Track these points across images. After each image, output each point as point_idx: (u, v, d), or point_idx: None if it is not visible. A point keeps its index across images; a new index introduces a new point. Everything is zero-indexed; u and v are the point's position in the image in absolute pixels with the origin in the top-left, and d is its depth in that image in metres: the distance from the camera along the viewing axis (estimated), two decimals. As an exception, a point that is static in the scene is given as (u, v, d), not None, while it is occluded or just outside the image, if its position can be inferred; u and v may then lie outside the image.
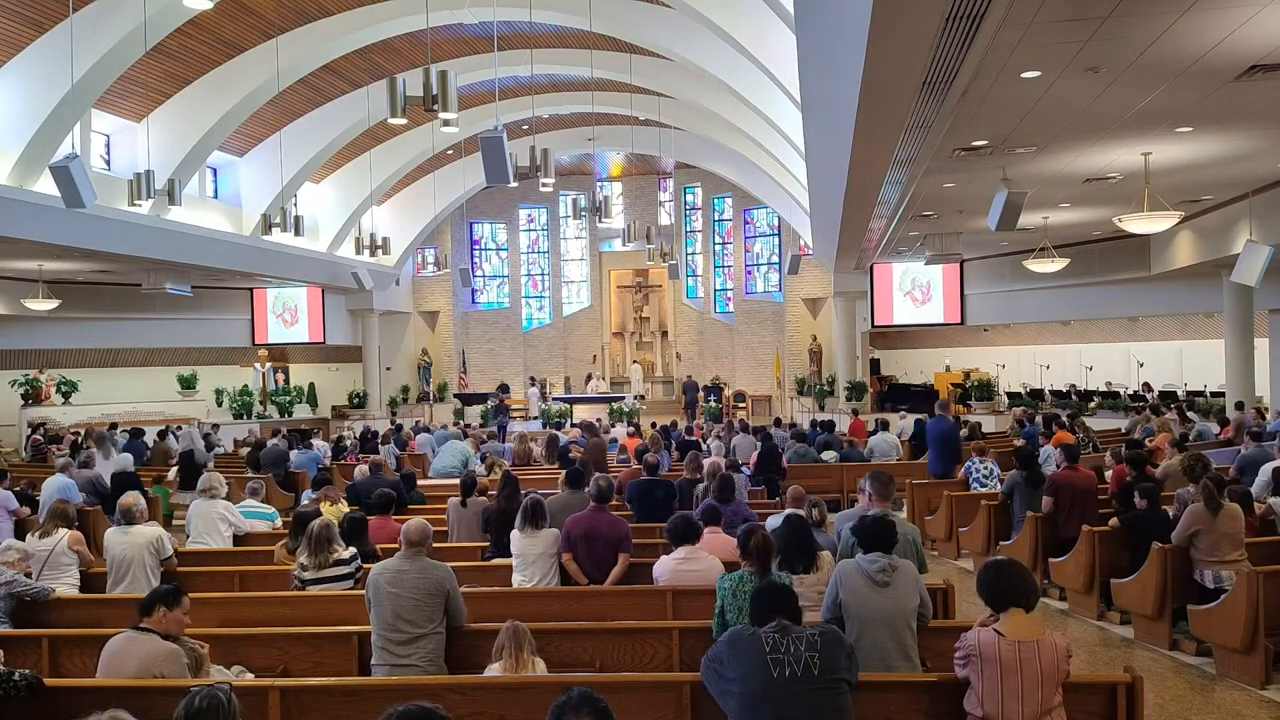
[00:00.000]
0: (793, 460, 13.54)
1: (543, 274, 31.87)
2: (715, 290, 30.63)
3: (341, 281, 24.04)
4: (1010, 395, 23.40)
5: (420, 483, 11.83)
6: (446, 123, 15.01)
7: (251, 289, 24.55)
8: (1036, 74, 7.53)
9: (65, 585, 6.88)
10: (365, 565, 6.27)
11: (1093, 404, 20.66)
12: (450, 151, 23.29)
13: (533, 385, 28.06)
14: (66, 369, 22.42)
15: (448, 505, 8.63)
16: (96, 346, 23.26)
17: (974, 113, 8.61)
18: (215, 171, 20.47)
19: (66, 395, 21.89)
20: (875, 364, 26.85)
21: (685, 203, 30.93)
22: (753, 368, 29.09)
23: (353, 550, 6.42)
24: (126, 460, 13.38)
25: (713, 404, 26.69)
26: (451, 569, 5.37)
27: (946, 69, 6.86)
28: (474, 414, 26.83)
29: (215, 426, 19.87)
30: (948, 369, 25.32)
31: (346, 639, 5.47)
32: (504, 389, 27.96)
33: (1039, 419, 16.57)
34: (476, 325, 31.01)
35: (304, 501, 9.22)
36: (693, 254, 30.90)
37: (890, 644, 4.51)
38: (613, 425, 21.37)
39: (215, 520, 8.42)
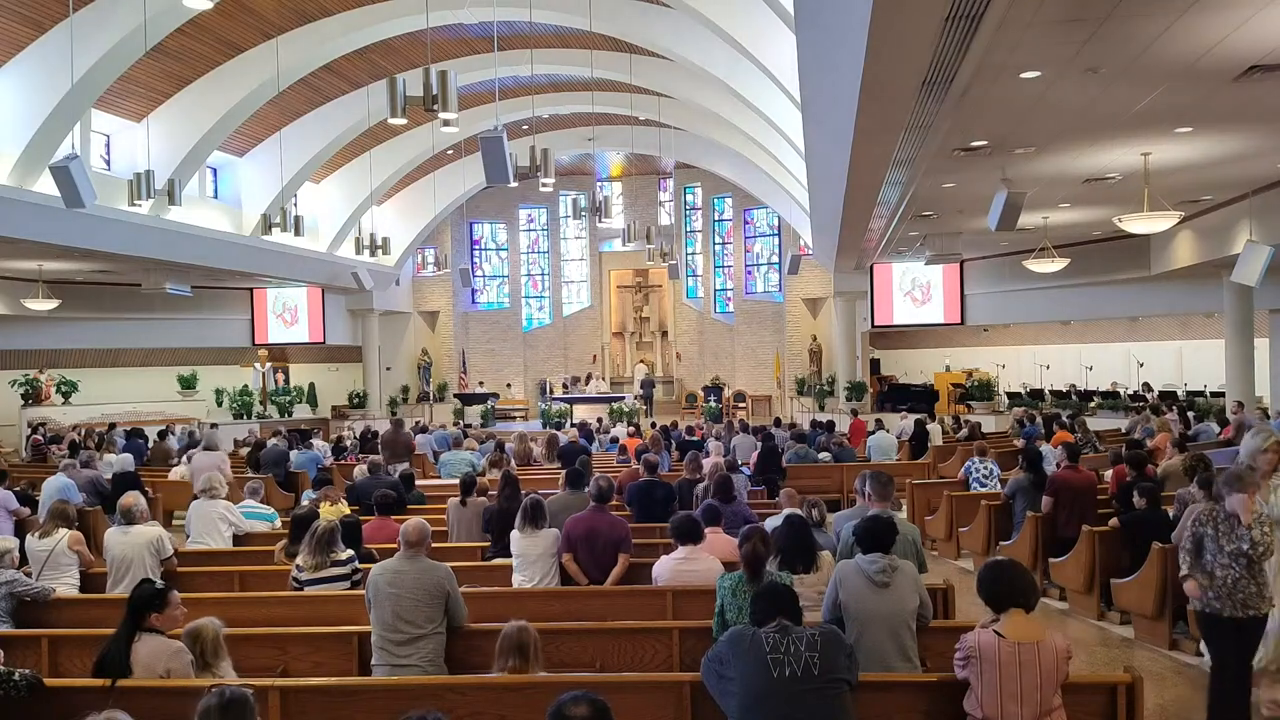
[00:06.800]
0: (792, 461, 13.55)
1: (543, 274, 31.87)
2: (715, 290, 30.62)
3: (341, 281, 24.04)
4: (1010, 395, 23.40)
5: (420, 483, 11.84)
6: (446, 123, 15.04)
7: (251, 289, 24.56)
8: (1036, 74, 7.53)
9: (65, 585, 6.87)
10: (364, 566, 6.27)
11: (1093, 404, 20.66)
12: (450, 151, 23.29)
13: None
14: (66, 369, 22.42)
15: (448, 505, 8.64)
16: (96, 346, 23.26)
17: (974, 113, 8.61)
18: (215, 171, 20.47)
19: (66, 395, 21.89)
20: (875, 364, 26.85)
21: (685, 203, 30.92)
22: (753, 368, 29.09)
23: (350, 552, 6.42)
24: (127, 460, 13.38)
25: (713, 404, 26.69)
26: (451, 569, 5.37)
27: (946, 69, 6.86)
28: (474, 414, 26.84)
29: (214, 426, 19.87)
30: (948, 369, 25.34)
31: (346, 639, 5.47)
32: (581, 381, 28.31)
33: (1039, 419, 16.57)
34: (476, 325, 31.01)
35: (304, 502, 9.22)
36: (693, 254, 30.89)
37: (890, 644, 4.52)
38: (613, 425, 21.37)
39: (215, 520, 8.42)
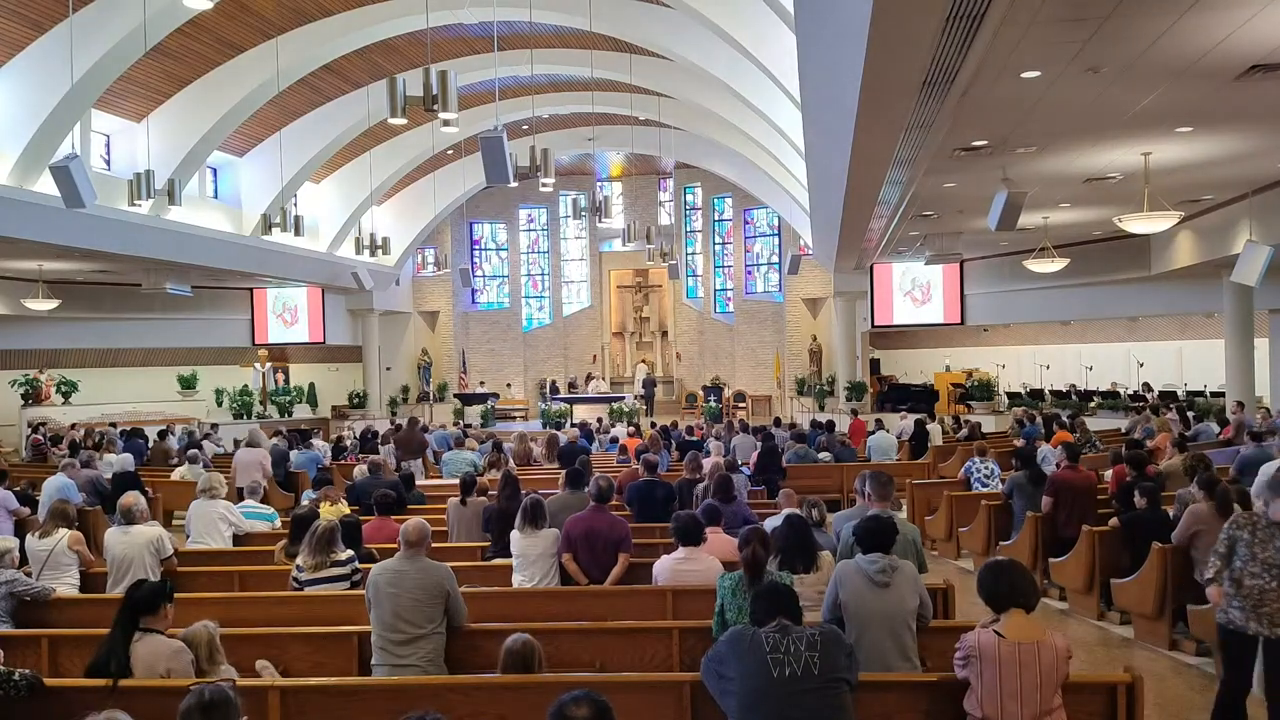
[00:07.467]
0: (792, 460, 13.54)
1: (543, 274, 31.87)
2: (715, 290, 30.62)
3: (341, 281, 24.03)
4: (1010, 395, 23.41)
5: (420, 483, 11.83)
6: (446, 123, 15.03)
7: (251, 289, 24.55)
8: (1036, 74, 7.53)
9: (65, 585, 6.87)
10: (364, 566, 6.27)
11: (1093, 404, 20.66)
12: (450, 151, 23.28)
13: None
14: (66, 369, 22.41)
15: (448, 505, 8.64)
16: (96, 346, 23.25)
17: (974, 113, 8.60)
18: (215, 171, 20.46)
19: (66, 395, 21.88)
20: (875, 364, 26.85)
21: (685, 203, 30.92)
22: (753, 368, 29.09)
23: (350, 553, 6.41)
24: (127, 460, 13.37)
25: (713, 404, 26.68)
26: (451, 569, 5.37)
27: (946, 69, 6.86)
28: (474, 414, 26.83)
29: (215, 426, 19.87)
30: (948, 369, 25.34)
31: (346, 639, 5.46)
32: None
33: (1039, 419, 16.58)
34: (476, 325, 31.02)
35: (304, 502, 9.22)
36: (693, 254, 30.89)
37: (890, 644, 4.51)
38: (613, 425, 21.36)
39: (215, 520, 8.42)
